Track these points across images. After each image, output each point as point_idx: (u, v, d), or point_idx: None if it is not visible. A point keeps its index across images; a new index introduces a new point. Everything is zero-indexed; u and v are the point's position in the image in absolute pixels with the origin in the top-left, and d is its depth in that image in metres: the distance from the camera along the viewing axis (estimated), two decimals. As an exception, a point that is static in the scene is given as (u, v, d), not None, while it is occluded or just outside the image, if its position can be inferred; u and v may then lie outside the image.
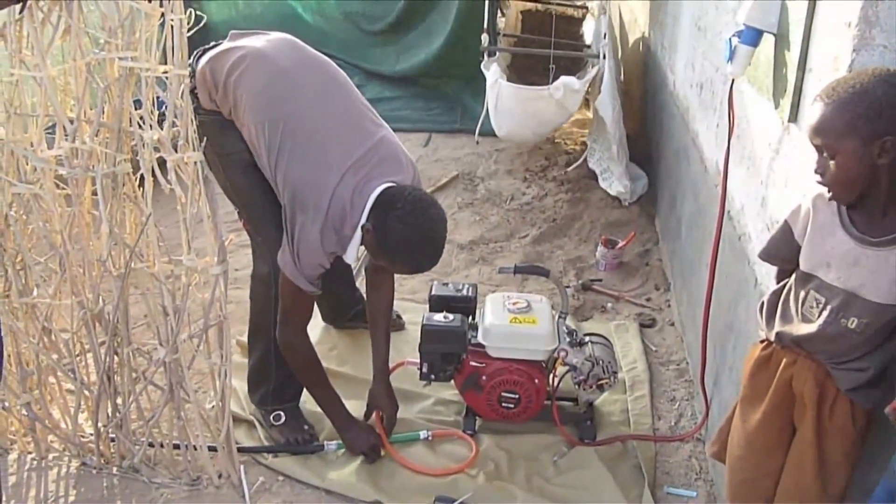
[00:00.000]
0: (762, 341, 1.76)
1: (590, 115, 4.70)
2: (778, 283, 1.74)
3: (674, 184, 3.51)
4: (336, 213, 2.11)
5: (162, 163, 2.00)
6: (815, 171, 1.50)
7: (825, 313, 1.56)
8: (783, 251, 1.68)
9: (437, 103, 5.17)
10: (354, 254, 2.18)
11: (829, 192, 1.51)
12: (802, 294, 1.62)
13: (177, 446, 2.34)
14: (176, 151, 1.98)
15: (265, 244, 2.38)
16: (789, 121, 1.84)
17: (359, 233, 2.13)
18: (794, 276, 1.66)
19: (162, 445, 2.34)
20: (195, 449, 2.30)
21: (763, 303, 1.75)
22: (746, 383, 1.78)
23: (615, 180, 4.05)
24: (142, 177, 2.05)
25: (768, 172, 2.02)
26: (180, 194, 2.00)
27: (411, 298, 3.37)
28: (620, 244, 3.60)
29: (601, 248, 3.59)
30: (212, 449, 2.31)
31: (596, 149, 4.21)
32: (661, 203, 3.89)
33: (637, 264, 3.66)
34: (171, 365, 2.16)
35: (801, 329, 1.62)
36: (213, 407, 2.31)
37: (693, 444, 2.55)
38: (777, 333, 1.68)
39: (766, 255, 1.75)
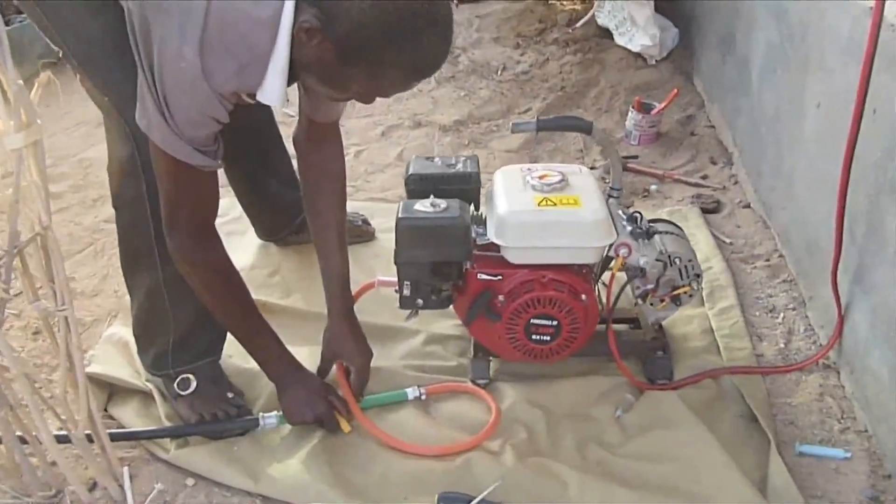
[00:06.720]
0: None
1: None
2: None
3: (728, 17, 2.58)
4: (226, 15, 1.16)
5: None
6: None
7: None
8: None
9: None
10: (280, 89, 1.23)
11: None
12: None
13: (24, 441, 1.44)
14: None
15: (119, 107, 1.41)
16: None
17: (281, 47, 1.19)
18: None
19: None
20: (39, 443, 1.40)
21: None
22: None
23: (639, 32, 3.12)
24: None
25: None
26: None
27: (382, 198, 2.46)
28: (658, 107, 2.69)
29: (633, 112, 2.68)
30: (64, 440, 1.42)
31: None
32: (704, 53, 2.95)
33: (679, 135, 2.76)
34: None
35: None
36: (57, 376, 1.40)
37: (822, 372, 1.69)
38: None
39: None
